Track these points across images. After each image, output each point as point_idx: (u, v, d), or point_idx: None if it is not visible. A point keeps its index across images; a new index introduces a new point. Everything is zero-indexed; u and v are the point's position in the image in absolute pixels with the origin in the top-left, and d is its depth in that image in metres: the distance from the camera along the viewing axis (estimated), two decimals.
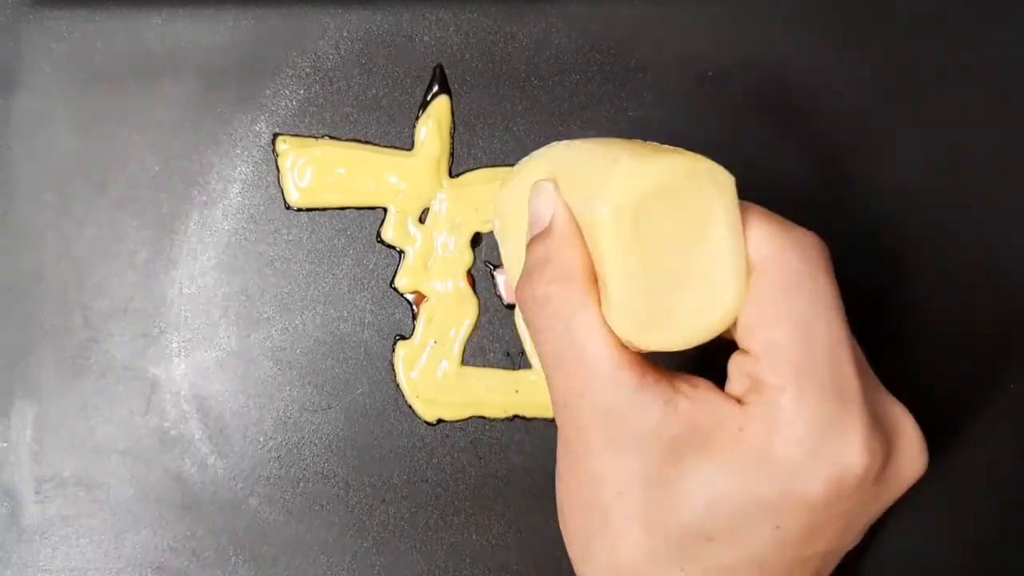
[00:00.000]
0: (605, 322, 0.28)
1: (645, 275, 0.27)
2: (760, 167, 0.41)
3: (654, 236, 0.27)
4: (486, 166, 0.41)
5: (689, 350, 0.29)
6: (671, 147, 0.29)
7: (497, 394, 0.40)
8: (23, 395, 0.40)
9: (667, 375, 0.28)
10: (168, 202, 0.41)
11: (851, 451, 0.27)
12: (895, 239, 0.41)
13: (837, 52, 0.41)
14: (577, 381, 0.28)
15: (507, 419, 0.41)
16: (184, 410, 0.41)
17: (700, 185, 0.28)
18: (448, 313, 0.41)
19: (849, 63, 0.41)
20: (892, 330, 0.41)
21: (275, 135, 0.41)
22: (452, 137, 0.41)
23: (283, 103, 0.41)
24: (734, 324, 0.28)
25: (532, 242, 0.30)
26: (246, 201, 0.41)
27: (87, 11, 0.41)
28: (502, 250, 0.35)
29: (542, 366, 0.29)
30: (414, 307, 0.41)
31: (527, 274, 0.30)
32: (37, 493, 0.40)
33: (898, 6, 0.42)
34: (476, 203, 0.41)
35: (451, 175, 0.41)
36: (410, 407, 0.41)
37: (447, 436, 0.41)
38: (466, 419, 0.41)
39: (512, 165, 0.41)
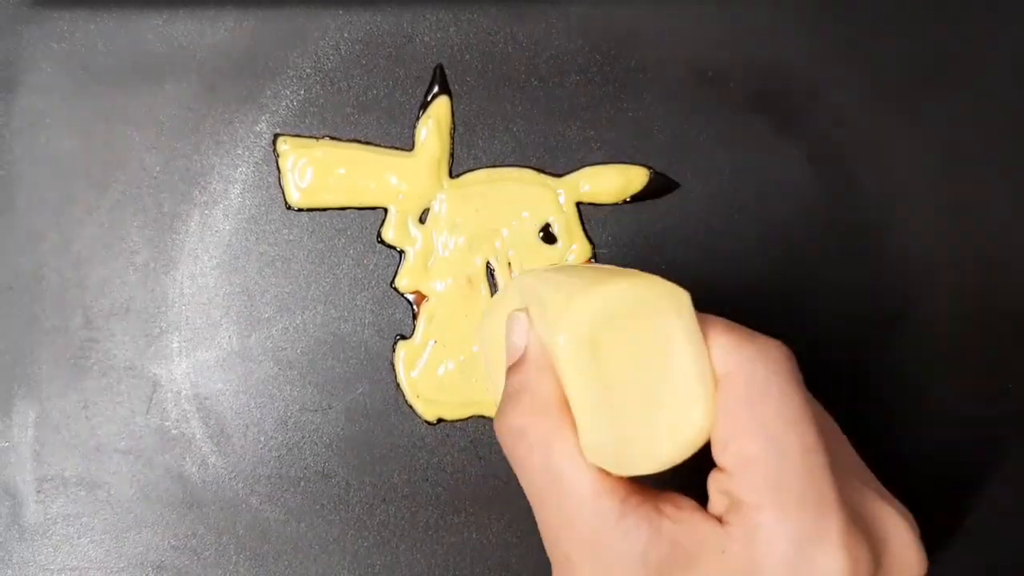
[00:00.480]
0: (582, 451, 0.28)
1: (611, 402, 0.27)
2: (760, 167, 0.41)
3: (615, 362, 0.27)
4: (486, 166, 0.41)
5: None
6: (627, 270, 0.29)
7: (497, 394, 0.40)
8: (24, 395, 0.41)
9: (651, 495, 0.28)
10: (169, 202, 0.41)
11: (832, 561, 0.26)
12: (895, 239, 0.41)
13: (837, 52, 0.41)
14: (560, 512, 0.28)
15: None
16: (185, 410, 0.41)
17: (656, 306, 0.27)
18: (449, 313, 0.41)
19: (849, 63, 0.41)
20: (891, 330, 0.41)
21: (276, 135, 0.41)
22: (452, 137, 0.41)
23: (284, 103, 0.41)
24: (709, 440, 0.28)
25: (508, 372, 0.30)
26: (247, 201, 0.41)
27: (88, 12, 0.41)
28: (487, 379, 0.35)
29: (527, 495, 0.29)
30: (414, 307, 0.41)
31: (503, 405, 0.30)
32: (38, 492, 0.40)
33: (898, 7, 0.42)
34: (476, 203, 0.41)
35: (451, 175, 0.41)
36: (410, 407, 0.41)
37: (447, 436, 0.41)
38: (466, 419, 0.41)
39: (512, 165, 0.41)
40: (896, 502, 0.29)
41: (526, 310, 0.30)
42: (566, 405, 0.28)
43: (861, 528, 0.27)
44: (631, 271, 0.29)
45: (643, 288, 0.27)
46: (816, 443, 0.27)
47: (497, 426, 0.30)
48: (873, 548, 0.27)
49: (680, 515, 0.28)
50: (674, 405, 0.28)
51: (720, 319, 0.29)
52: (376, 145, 0.41)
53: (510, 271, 0.41)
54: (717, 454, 0.28)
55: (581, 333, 0.27)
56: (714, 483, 0.28)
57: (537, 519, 0.29)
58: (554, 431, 0.28)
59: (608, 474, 0.28)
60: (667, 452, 0.28)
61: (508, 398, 0.30)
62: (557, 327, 0.28)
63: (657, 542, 0.27)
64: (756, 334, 0.28)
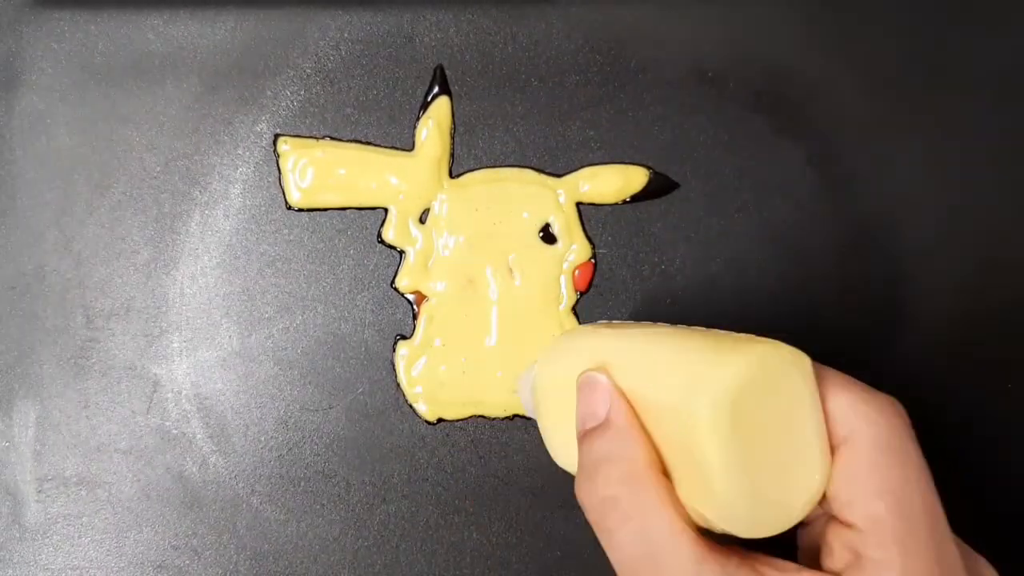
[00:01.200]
0: (681, 517, 0.28)
1: (747, 465, 0.27)
2: (760, 167, 0.41)
3: (750, 425, 0.27)
4: (486, 166, 0.41)
5: None
6: (740, 335, 0.29)
7: (497, 394, 0.41)
8: (25, 394, 0.41)
9: (748, 559, 0.28)
10: (169, 202, 0.41)
11: None
12: (895, 239, 0.41)
13: (837, 52, 0.41)
14: None
15: (507, 419, 0.41)
16: (185, 409, 0.41)
17: (783, 370, 0.28)
18: (449, 313, 0.41)
19: (849, 63, 0.41)
20: (890, 329, 0.41)
21: (276, 136, 0.41)
22: (452, 138, 0.41)
23: (284, 104, 0.41)
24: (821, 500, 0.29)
25: (587, 437, 0.29)
26: (247, 201, 0.41)
27: (89, 12, 0.41)
28: (541, 424, 0.35)
29: (614, 565, 0.29)
30: (414, 307, 0.41)
31: (588, 474, 0.29)
32: (39, 492, 0.41)
33: (898, 7, 0.42)
34: (476, 203, 0.41)
35: (451, 175, 0.41)
36: (410, 407, 0.41)
37: (447, 436, 0.41)
38: (466, 419, 0.41)
39: (512, 165, 0.41)
40: (982, 557, 0.30)
41: (605, 371, 0.30)
42: (660, 470, 0.28)
43: None
44: (744, 336, 0.29)
45: (775, 353, 0.28)
46: (936, 502, 0.28)
47: (581, 496, 0.29)
48: None
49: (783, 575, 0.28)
50: (794, 468, 0.28)
51: (838, 374, 0.29)
52: (376, 145, 0.41)
53: (511, 274, 0.41)
54: (841, 511, 0.28)
55: (728, 396, 0.27)
56: (837, 538, 0.28)
57: None
58: (651, 500, 0.28)
59: (705, 541, 0.28)
60: (785, 515, 0.28)
61: (594, 466, 0.29)
62: (699, 392, 0.27)
63: None
64: (872, 391, 0.29)
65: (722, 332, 0.30)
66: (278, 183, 0.41)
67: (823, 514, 0.29)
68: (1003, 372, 0.41)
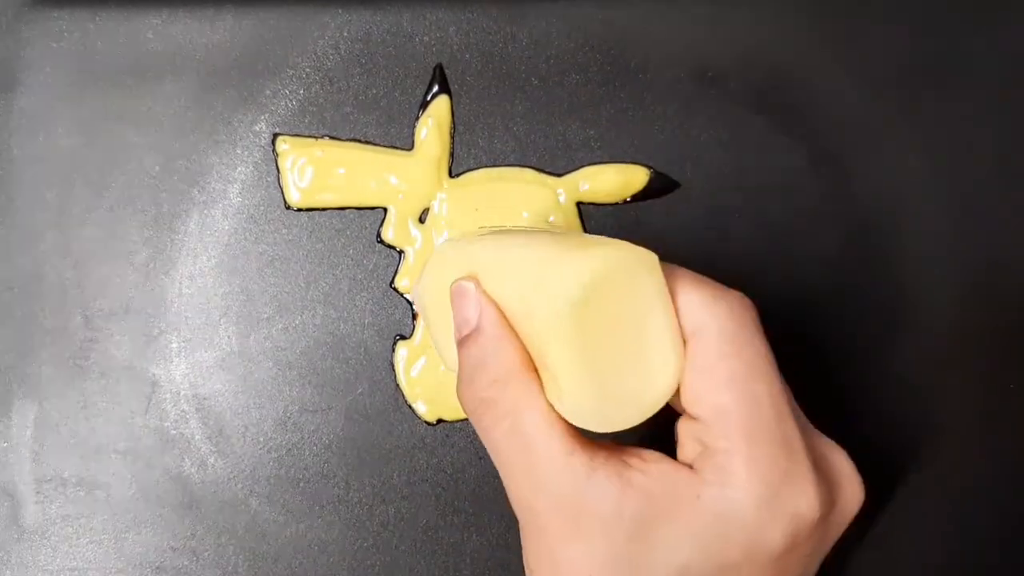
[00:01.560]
0: (550, 412, 0.29)
1: (594, 364, 0.28)
2: (760, 167, 0.41)
3: (597, 325, 0.28)
4: (486, 166, 0.41)
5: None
6: (584, 235, 0.30)
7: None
8: (23, 395, 0.40)
9: (615, 451, 0.29)
10: (168, 202, 0.41)
11: (804, 501, 0.28)
12: (894, 239, 0.41)
13: (837, 52, 0.41)
14: (531, 475, 0.29)
15: None
16: (184, 410, 0.41)
17: (631, 269, 0.29)
18: None
19: (849, 63, 0.41)
20: (890, 329, 0.41)
21: (275, 135, 0.41)
22: (452, 137, 0.41)
23: (283, 103, 0.41)
24: (676, 393, 0.29)
25: (463, 344, 0.31)
26: (246, 201, 0.41)
27: (88, 11, 0.41)
28: (431, 333, 0.35)
29: (495, 463, 0.30)
30: (414, 307, 0.41)
31: (467, 378, 0.30)
32: (37, 493, 0.40)
33: (898, 7, 0.42)
34: (476, 203, 0.41)
35: (451, 175, 0.41)
36: (410, 407, 0.41)
37: (447, 436, 0.41)
38: (466, 419, 0.41)
39: (512, 165, 0.41)
40: (832, 441, 0.31)
41: (474, 279, 0.31)
42: (531, 369, 0.29)
43: (819, 467, 0.29)
44: (592, 237, 0.30)
45: (620, 253, 0.29)
46: (781, 391, 0.29)
47: (462, 398, 0.31)
48: (829, 484, 0.29)
49: (648, 466, 0.29)
50: (645, 362, 0.29)
51: (686, 272, 0.30)
52: (376, 145, 0.41)
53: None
54: (689, 404, 0.29)
55: (573, 296, 0.28)
56: (685, 431, 0.30)
57: (506, 484, 0.30)
58: (523, 398, 0.29)
59: (575, 434, 0.29)
60: (638, 408, 0.29)
61: (470, 370, 0.30)
62: (545, 293, 0.28)
63: (630, 495, 0.28)
64: (720, 287, 0.30)
65: (574, 234, 0.31)
66: (277, 183, 0.41)
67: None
68: (1003, 372, 0.41)
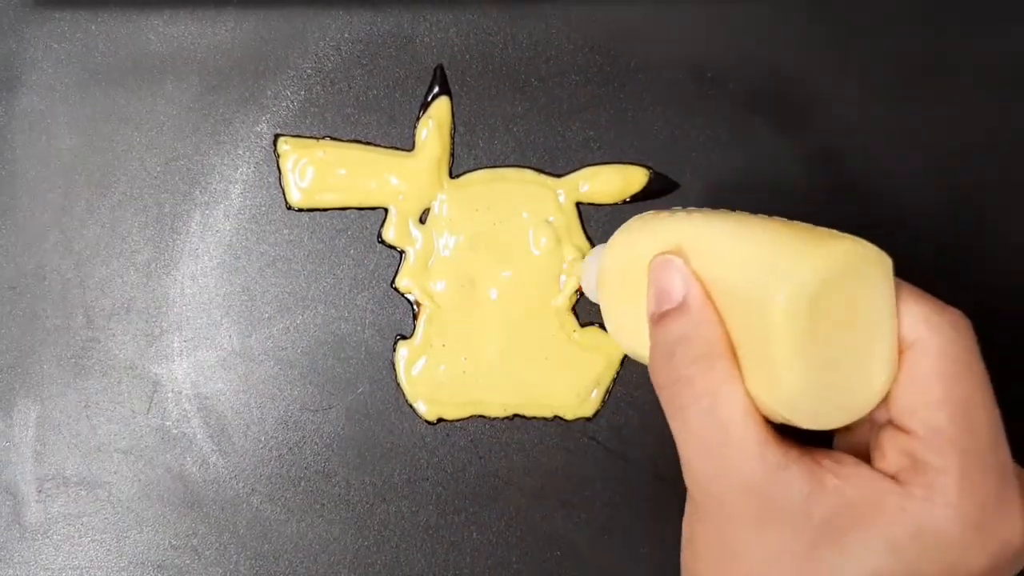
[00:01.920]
0: (749, 399, 0.28)
1: (816, 358, 0.28)
2: (760, 167, 0.41)
3: (825, 319, 0.27)
4: (486, 166, 0.41)
5: None
6: (820, 227, 0.29)
7: (497, 394, 0.41)
8: (25, 394, 0.41)
9: (808, 451, 0.28)
10: (170, 202, 0.41)
11: (1013, 527, 0.28)
12: (895, 239, 0.41)
13: (837, 52, 0.41)
14: (721, 458, 0.28)
15: (507, 419, 0.41)
16: (186, 409, 0.41)
17: (867, 268, 0.28)
18: (449, 313, 0.41)
19: (849, 63, 0.41)
20: None
21: (276, 136, 0.41)
22: (452, 138, 0.41)
23: (284, 104, 0.41)
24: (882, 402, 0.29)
25: (663, 319, 0.30)
26: (248, 201, 0.41)
27: (89, 12, 0.41)
28: (603, 304, 0.35)
29: (677, 440, 0.29)
30: (415, 307, 0.41)
31: (665, 354, 0.30)
32: (39, 492, 0.41)
33: (898, 6, 0.42)
34: (476, 203, 0.41)
35: (451, 175, 0.41)
36: (410, 407, 0.41)
37: (447, 436, 0.41)
38: (466, 419, 0.41)
39: (512, 165, 0.41)
40: None
41: (679, 253, 0.30)
42: (733, 353, 0.29)
43: None
44: (822, 229, 0.29)
45: (859, 249, 0.28)
46: (998, 420, 0.28)
47: (657, 376, 0.30)
48: None
49: (843, 470, 0.28)
50: (861, 366, 0.28)
51: (910, 286, 0.29)
52: (376, 145, 0.41)
53: (511, 274, 0.41)
54: (900, 416, 0.28)
55: (807, 288, 0.27)
56: (891, 442, 0.29)
57: (688, 464, 0.29)
58: (724, 380, 0.28)
59: (770, 426, 0.28)
60: (846, 410, 0.28)
61: (670, 346, 0.30)
62: (778, 281, 0.27)
63: (821, 494, 0.27)
64: (940, 302, 0.29)
65: (802, 224, 0.30)
66: (278, 183, 0.41)
67: (867, 419, 0.30)
68: (1003, 372, 0.41)
